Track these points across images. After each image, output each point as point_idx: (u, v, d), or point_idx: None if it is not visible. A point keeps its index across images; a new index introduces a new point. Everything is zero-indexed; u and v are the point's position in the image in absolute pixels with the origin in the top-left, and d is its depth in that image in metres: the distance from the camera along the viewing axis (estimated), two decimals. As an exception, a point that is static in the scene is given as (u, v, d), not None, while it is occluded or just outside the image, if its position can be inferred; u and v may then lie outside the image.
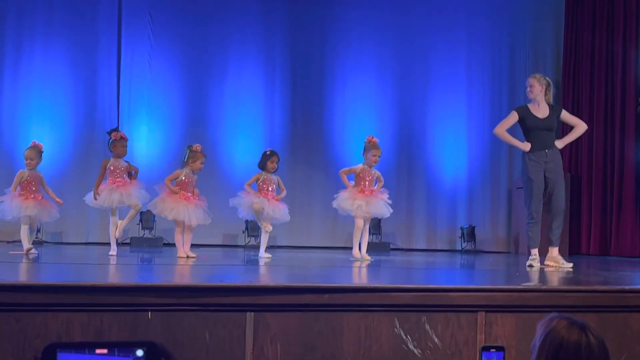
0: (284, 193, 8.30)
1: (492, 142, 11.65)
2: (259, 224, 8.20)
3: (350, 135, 11.19)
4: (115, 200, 7.61)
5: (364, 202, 7.88)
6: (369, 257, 7.93)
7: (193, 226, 7.70)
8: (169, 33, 11.21)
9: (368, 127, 10.87)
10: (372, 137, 8.20)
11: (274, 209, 8.10)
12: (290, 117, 11.50)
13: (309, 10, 11.51)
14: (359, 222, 8.02)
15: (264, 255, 8.01)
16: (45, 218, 7.89)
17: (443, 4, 11.72)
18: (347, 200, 7.92)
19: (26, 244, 7.62)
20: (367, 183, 8.02)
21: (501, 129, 7.34)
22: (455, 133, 11.67)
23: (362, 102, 11.52)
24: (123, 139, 7.80)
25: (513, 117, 7.28)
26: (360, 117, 11.39)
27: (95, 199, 7.65)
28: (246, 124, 11.32)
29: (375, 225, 10.66)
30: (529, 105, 7.26)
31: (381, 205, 8.02)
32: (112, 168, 7.69)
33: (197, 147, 7.85)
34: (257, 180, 8.13)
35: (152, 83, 11.10)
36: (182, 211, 7.55)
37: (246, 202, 8.06)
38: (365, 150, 8.14)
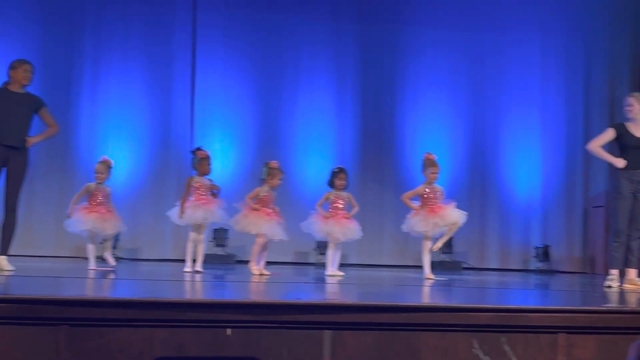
0: (355, 209, 8.28)
1: (568, 159, 11.47)
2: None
3: (421, 153, 11.13)
4: (200, 217, 7.74)
5: (438, 219, 7.81)
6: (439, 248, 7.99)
7: (275, 240, 7.78)
8: (242, 51, 11.36)
9: (440, 144, 10.81)
10: (429, 154, 8.14)
11: (344, 231, 8.09)
12: (362, 134, 11.50)
13: (380, 26, 11.52)
14: (428, 244, 7.94)
15: (335, 272, 8.02)
16: (107, 230, 7.91)
17: (516, 20, 11.60)
18: (420, 223, 7.83)
19: (92, 262, 7.79)
20: (435, 201, 7.93)
21: (594, 145, 7.24)
22: (529, 150, 11.50)
23: (433, 119, 11.45)
24: (208, 157, 7.95)
25: (608, 134, 7.17)
26: (432, 134, 11.32)
27: (181, 217, 7.78)
28: (317, 141, 11.37)
29: (447, 243, 10.54)
30: (627, 124, 7.12)
31: (454, 213, 7.92)
32: (196, 185, 7.84)
33: (274, 163, 7.92)
34: (327, 199, 8.16)
35: (225, 101, 11.26)
36: (265, 225, 7.63)
37: (317, 227, 8.10)
38: (424, 168, 8.06)
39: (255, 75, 11.39)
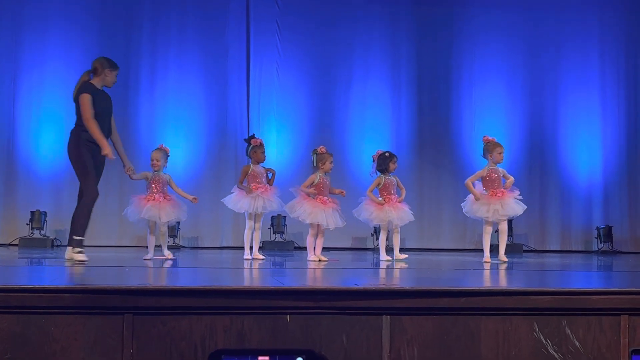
0: (404, 192, 8.18)
1: (629, 139, 11.27)
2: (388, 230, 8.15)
3: (479, 137, 11.02)
4: (260, 206, 7.75)
5: (500, 206, 7.69)
6: (506, 259, 7.77)
7: (331, 229, 7.75)
8: (296, 40, 11.41)
9: (497, 127, 10.71)
10: (489, 137, 8.01)
11: (400, 215, 8.03)
12: (417, 119, 11.45)
13: (434, 9, 11.44)
14: (489, 227, 7.85)
15: (400, 256, 7.96)
16: (164, 218, 7.55)
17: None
18: (482, 207, 7.71)
19: (151, 253, 7.61)
20: (498, 184, 7.81)
21: None
22: (589, 131, 11.34)
23: (490, 102, 11.35)
24: (262, 145, 7.93)
25: None
26: (489, 118, 11.23)
27: (247, 192, 7.75)
28: (373, 128, 11.36)
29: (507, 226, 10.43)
30: None
31: (514, 204, 7.80)
32: (252, 174, 7.86)
33: (321, 149, 7.88)
34: (379, 184, 8.06)
35: (280, 90, 11.33)
36: (320, 215, 7.60)
37: (373, 214, 7.96)
38: (486, 151, 7.92)
39: (310, 64, 11.44)
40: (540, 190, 11.28)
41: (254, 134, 8.19)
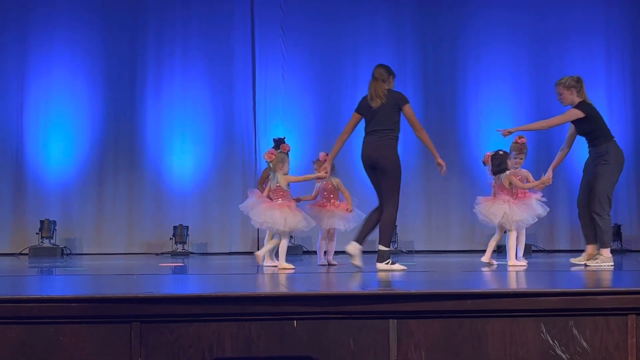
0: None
1: (636, 134, 11.24)
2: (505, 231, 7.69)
3: (486, 136, 11.04)
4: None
5: (507, 208, 7.55)
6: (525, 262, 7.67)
7: (326, 228, 7.66)
8: (301, 44, 11.42)
9: (504, 126, 10.63)
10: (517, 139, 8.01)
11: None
12: (423, 119, 11.40)
13: (439, 11, 11.44)
14: (513, 231, 7.64)
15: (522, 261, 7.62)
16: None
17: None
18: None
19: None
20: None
21: None
22: (596, 129, 11.30)
23: (497, 102, 11.33)
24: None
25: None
26: (495, 117, 11.19)
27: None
28: (380, 130, 11.34)
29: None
30: None
31: (538, 206, 7.72)
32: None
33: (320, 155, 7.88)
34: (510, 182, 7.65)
35: (286, 94, 11.35)
36: (313, 218, 7.54)
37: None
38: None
39: (315, 68, 11.45)
40: (549, 190, 11.20)
41: (284, 138, 7.82)
